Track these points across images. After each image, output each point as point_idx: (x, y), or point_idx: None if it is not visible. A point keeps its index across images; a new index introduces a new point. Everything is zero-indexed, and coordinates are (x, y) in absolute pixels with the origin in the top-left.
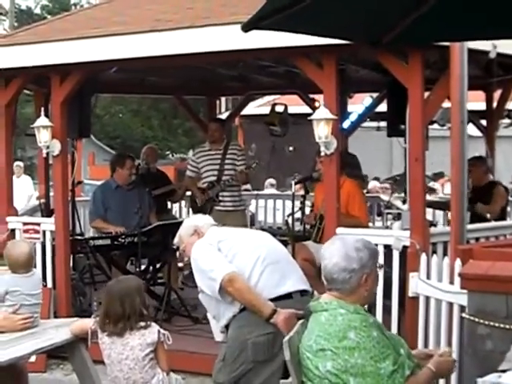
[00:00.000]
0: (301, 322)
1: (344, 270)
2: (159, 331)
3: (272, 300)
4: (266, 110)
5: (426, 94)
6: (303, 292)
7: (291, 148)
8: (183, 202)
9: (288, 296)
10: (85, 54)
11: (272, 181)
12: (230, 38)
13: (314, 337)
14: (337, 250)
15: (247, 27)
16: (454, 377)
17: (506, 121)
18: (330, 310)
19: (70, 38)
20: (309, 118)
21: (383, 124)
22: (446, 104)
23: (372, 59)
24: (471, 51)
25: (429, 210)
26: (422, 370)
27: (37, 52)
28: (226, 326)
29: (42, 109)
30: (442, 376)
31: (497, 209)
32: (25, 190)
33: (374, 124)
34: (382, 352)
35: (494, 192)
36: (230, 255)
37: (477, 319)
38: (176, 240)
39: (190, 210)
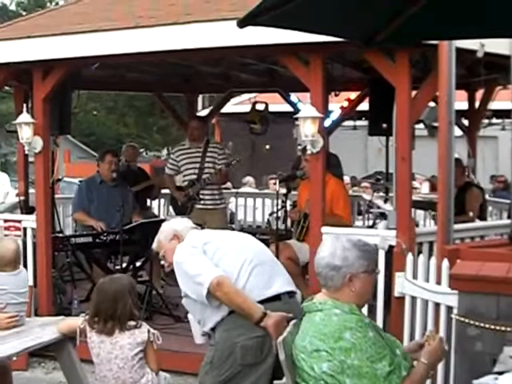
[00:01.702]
0: (293, 322)
1: (327, 266)
2: (149, 331)
3: (261, 302)
4: (243, 108)
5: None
6: (291, 293)
7: (267, 146)
8: (162, 200)
9: (277, 298)
10: (67, 49)
11: (250, 179)
12: (215, 35)
13: (309, 337)
14: (326, 246)
15: (243, 23)
16: (439, 378)
17: (485, 121)
18: (324, 310)
19: (53, 33)
20: (295, 116)
21: (360, 123)
22: (431, 103)
23: (355, 58)
24: (459, 50)
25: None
26: (415, 367)
27: (19, 48)
28: (213, 329)
29: (24, 105)
30: (436, 364)
31: (475, 206)
32: (1, 187)
33: (351, 123)
34: (379, 353)
35: (468, 194)
36: (215, 258)
37: (467, 320)
38: (155, 245)
39: (171, 207)
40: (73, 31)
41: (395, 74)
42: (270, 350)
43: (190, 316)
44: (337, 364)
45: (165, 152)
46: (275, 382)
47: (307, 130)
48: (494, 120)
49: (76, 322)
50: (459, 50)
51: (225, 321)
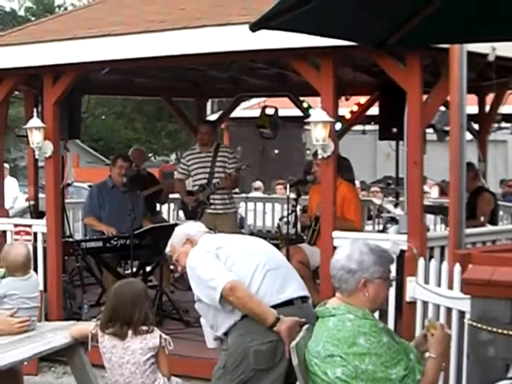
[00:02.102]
0: (306, 327)
1: (342, 269)
2: (161, 336)
3: (274, 307)
4: (252, 113)
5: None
6: (304, 298)
7: (276, 151)
8: (172, 205)
9: (289, 302)
10: (78, 54)
11: (259, 183)
12: (225, 40)
13: (322, 343)
14: (343, 249)
15: (255, 27)
16: (452, 383)
17: (494, 125)
18: (338, 315)
19: (63, 38)
20: (306, 121)
21: (369, 127)
22: (442, 107)
23: (365, 62)
24: (470, 54)
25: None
26: (426, 365)
27: (30, 52)
28: (225, 334)
29: (35, 110)
30: (445, 353)
31: (486, 210)
32: (10, 192)
33: (360, 127)
34: (393, 358)
35: (479, 199)
36: (228, 262)
37: (479, 325)
38: (168, 249)
39: (182, 212)
40: (83, 36)
41: (406, 79)
42: (282, 354)
43: (202, 320)
44: (351, 369)
45: (173, 157)
46: None
47: (318, 135)
48: (504, 124)
49: (87, 326)
50: (470, 54)
51: (238, 325)
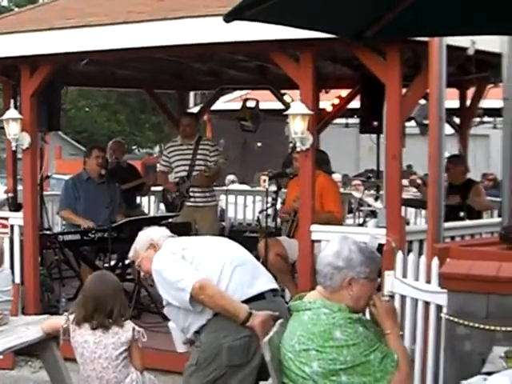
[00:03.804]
0: (280, 321)
1: (329, 265)
2: (134, 328)
3: (245, 301)
4: (235, 106)
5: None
6: (274, 291)
7: (259, 144)
8: (152, 198)
9: (261, 296)
10: (55, 45)
11: (232, 177)
12: (203, 31)
13: (296, 337)
14: (332, 245)
15: (229, 17)
16: (429, 377)
17: (475, 119)
18: (313, 309)
19: (41, 28)
20: (284, 113)
21: (352, 121)
22: (422, 101)
23: (347, 55)
24: (449, 47)
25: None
26: (390, 344)
27: (6, 43)
28: (197, 332)
29: (12, 101)
30: (395, 323)
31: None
32: None
33: (343, 121)
34: (371, 345)
35: (473, 192)
36: (195, 262)
37: (456, 319)
38: (131, 254)
39: (162, 204)
40: (60, 26)
41: (385, 72)
42: (256, 350)
43: (170, 324)
44: (328, 361)
45: (157, 149)
46: (261, 383)
47: (297, 127)
48: (486, 118)
49: (59, 321)
50: (450, 47)
51: (210, 323)
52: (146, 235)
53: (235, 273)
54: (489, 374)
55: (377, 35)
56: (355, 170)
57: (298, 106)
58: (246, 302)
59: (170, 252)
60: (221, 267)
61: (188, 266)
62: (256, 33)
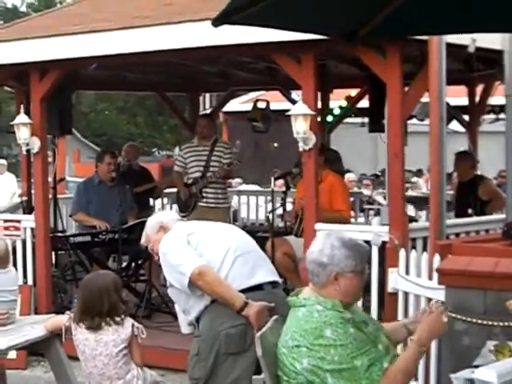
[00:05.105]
0: (274, 317)
1: (314, 262)
2: (133, 325)
3: (243, 291)
4: (250, 107)
5: (405, 88)
6: (274, 283)
7: (276, 144)
8: (165, 200)
9: (259, 287)
10: (64, 50)
11: (238, 180)
12: (207, 34)
13: (290, 333)
14: (317, 242)
15: (217, 22)
16: (432, 372)
17: (491, 116)
18: (307, 305)
19: (49, 34)
20: (287, 114)
21: (367, 120)
22: (425, 99)
23: (352, 55)
24: (450, 45)
25: (412, 206)
26: (407, 347)
27: (16, 49)
28: (197, 320)
29: (22, 106)
30: (428, 339)
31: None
32: (8, 188)
33: (359, 120)
34: (360, 348)
35: (481, 187)
36: (199, 248)
37: (454, 315)
38: (143, 240)
39: (175, 206)
40: (68, 32)
41: (386, 70)
42: (252, 339)
43: (176, 306)
44: (317, 360)
45: (177, 151)
46: (254, 377)
47: (299, 128)
48: (502, 115)
49: (62, 319)
50: (450, 45)
51: (208, 310)
52: (156, 219)
53: (237, 261)
54: (477, 367)
55: (369, 34)
56: (373, 170)
57: (299, 106)
58: (245, 291)
59: (176, 236)
60: (223, 255)
61: (191, 252)
62: (258, 35)
